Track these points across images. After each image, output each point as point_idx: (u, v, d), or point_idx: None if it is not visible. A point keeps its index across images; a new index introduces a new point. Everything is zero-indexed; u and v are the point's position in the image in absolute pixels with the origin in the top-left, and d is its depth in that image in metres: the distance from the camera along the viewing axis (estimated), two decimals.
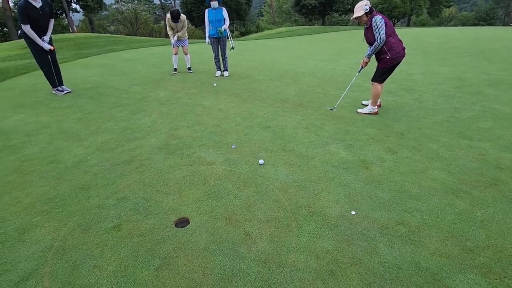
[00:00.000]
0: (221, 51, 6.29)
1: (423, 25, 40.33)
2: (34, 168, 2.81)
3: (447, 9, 47.59)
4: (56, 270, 1.70)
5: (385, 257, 1.77)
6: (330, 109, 4.12)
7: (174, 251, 1.82)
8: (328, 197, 2.33)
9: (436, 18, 45.40)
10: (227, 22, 6.01)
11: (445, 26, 42.51)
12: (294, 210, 2.18)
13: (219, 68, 6.51)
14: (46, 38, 4.71)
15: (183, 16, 6.37)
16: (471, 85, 5.58)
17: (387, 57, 3.69)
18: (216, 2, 5.83)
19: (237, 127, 3.72)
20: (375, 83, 3.93)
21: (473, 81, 5.87)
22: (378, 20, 3.49)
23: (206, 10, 5.99)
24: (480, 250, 1.81)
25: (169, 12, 6.10)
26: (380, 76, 3.89)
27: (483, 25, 37.94)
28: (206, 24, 6.04)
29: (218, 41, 6.15)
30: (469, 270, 1.67)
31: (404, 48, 3.74)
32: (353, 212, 2.15)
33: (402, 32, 18.26)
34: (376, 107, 4.11)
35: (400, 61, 3.73)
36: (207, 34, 6.19)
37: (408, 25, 40.58)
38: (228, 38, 6.33)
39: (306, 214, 2.14)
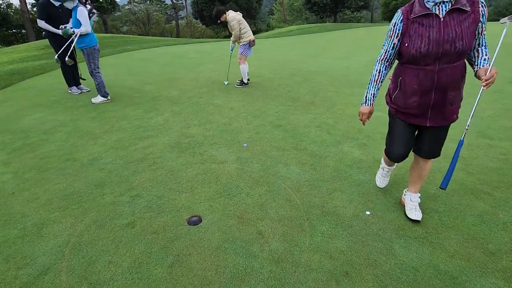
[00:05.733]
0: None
1: None
2: (51, 165, 2.88)
3: None
4: (73, 265, 1.74)
5: (402, 259, 1.72)
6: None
7: (187, 249, 1.83)
8: (341, 197, 2.30)
9: None
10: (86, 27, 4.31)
11: None
12: (307, 210, 2.16)
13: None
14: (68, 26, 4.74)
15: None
16: None
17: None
18: None
19: (249, 126, 3.71)
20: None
21: None
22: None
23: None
24: (503, 254, 1.73)
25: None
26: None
27: None
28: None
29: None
30: (491, 274, 1.61)
31: None
32: (367, 212, 2.11)
33: None
34: None
35: None
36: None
37: None
38: None
39: (319, 214, 2.11)
